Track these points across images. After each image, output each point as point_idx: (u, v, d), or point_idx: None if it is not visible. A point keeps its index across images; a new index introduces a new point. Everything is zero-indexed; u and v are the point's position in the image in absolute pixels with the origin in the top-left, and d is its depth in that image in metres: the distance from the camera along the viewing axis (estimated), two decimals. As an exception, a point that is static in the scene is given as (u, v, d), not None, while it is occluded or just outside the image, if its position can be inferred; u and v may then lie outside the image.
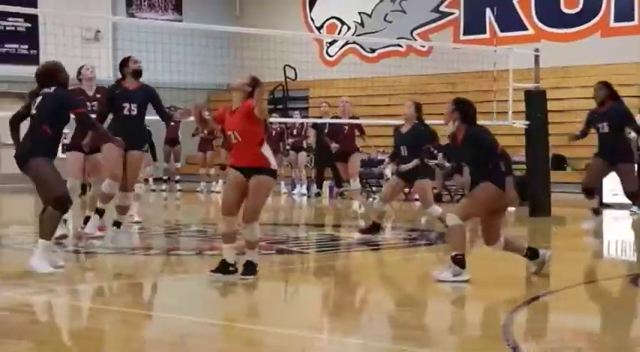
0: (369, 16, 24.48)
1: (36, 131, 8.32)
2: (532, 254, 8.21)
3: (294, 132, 20.13)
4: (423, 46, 22.79)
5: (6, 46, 22.69)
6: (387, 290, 8.20)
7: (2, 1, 21.69)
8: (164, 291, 8.06)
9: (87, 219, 10.59)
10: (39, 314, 6.97)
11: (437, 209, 11.49)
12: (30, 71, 22.09)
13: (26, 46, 22.92)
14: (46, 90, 8.42)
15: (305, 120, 19.84)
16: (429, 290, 7.80)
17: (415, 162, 11.26)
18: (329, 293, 7.96)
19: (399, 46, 23.18)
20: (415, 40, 23.35)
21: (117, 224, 10.20)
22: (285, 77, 24.25)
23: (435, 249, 10.70)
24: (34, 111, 8.41)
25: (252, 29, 17.74)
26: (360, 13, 24.68)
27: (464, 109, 8.05)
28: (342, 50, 25.00)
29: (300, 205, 18.09)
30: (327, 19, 25.33)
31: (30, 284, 7.87)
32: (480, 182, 7.87)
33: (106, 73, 23.66)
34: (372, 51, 24.31)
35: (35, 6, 22.43)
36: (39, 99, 8.41)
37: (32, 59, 22.79)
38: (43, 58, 22.18)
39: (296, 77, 24.11)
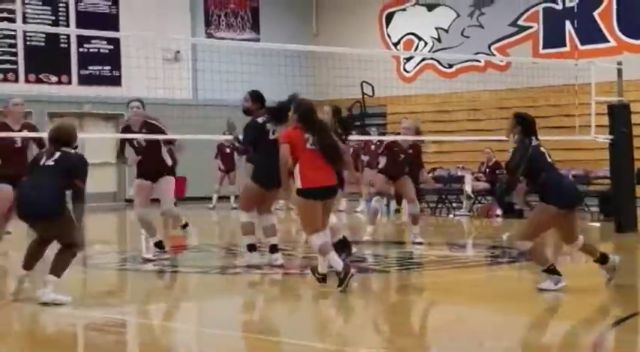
0: (446, 31, 24.35)
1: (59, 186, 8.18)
2: (602, 259, 8.31)
3: (372, 148, 20.07)
4: (502, 61, 22.57)
5: (89, 68, 23.17)
6: (485, 308, 8.09)
7: (86, 25, 22.27)
8: (247, 310, 8.08)
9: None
10: (126, 333, 7.05)
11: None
12: (113, 92, 22.54)
13: (109, 68, 23.37)
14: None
15: (376, 138, 19.76)
16: (523, 306, 7.68)
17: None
18: (419, 311, 7.89)
19: (477, 61, 22.99)
20: (493, 54, 23.13)
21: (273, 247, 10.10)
22: (363, 94, 24.25)
23: (518, 267, 10.53)
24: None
25: (328, 47, 17.79)
26: (437, 28, 24.58)
27: (524, 124, 8.23)
28: (419, 66, 24.91)
29: (380, 222, 18.00)
30: (404, 36, 25.28)
31: (116, 304, 7.97)
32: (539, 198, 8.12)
33: (187, 94, 24.10)
34: (450, 66, 24.16)
35: (117, 29, 22.89)
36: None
37: (115, 81, 23.26)
38: (126, 80, 22.76)
39: (373, 94, 24.09)
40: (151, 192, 10.79)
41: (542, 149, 8.22)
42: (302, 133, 8.45)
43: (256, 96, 10.26)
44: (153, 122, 10.97)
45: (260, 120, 10.04)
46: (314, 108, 8.68)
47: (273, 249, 10.04)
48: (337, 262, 8.26)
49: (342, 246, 9.97)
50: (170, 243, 11.73)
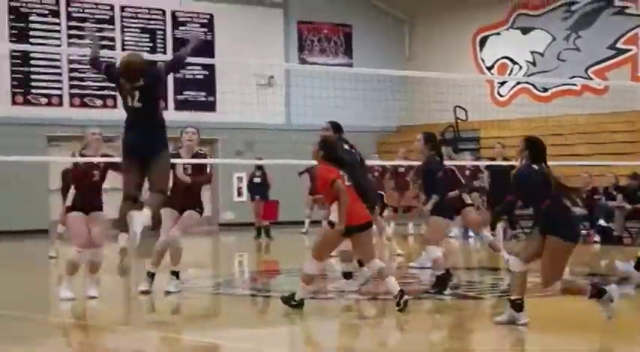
0: (542, 55, 24.03)
1: None
2: (597, 292, 7.77)
3: (466, 173, 19.85)
4: (599, 85, 22.14)
5: (185, 93, 23.57)
6: (593, 337, 7.87)
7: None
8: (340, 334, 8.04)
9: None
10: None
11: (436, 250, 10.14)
12: (207, 117, 22.89)
13: (204, 93, 23.74)
14: None
15: (476, 163, 19.56)
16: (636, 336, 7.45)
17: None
18: (523, 340, 7.73)
19: (574, 84, 22.61)
20: (590, 78, 22.72)
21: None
22: (456, 118, 24.07)
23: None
24: None
25: (421, 72, 17.73)
26: (532, 52, 24.28)
27: (534, 148, 7.87)
28: (513, 90, 24.62)
29: (473, 248, 17.78)
30: (498, 59, 25.05)
31: (216, 327, 8.01)
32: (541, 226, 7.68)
33: (280, 118, 24.31)
34: (545, 90, 23.82)
35: (212, 55, 23.24)
36: None
37: (209, 106, 23.60)
38: (220, 105, 23.07)
39: (467, 118, 23.88)
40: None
41: (546, 176, 7.78)
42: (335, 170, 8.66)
43: (336, 127, 10.32)
44: (203, 153, 10.70)
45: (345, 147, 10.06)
46: (339, 145, 8.99)
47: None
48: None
49: (443, 281, 9.83)
50: (264, 267, 11.75)
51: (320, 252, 8.73)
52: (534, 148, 7.89)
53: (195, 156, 10.52)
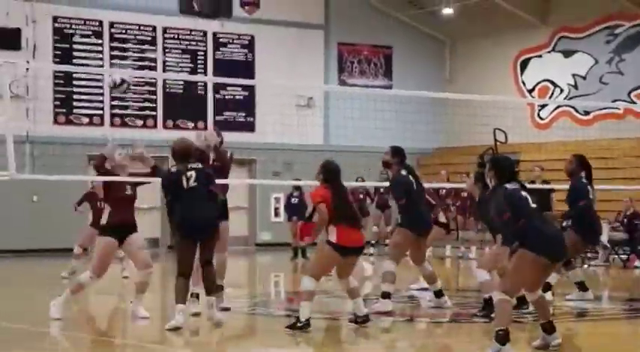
0: (584, 78, 23.86)
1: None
2: (549, 326, 7.75)
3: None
4: (642, 108, 21.93)
5: (224, 114, 23.69)
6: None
7: (223, 72, 22.85)
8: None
9: None
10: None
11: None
12: (247, 138, 22.96)
13: (243, 114, 23.86)
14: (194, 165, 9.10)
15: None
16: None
17: None
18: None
19: (616, 108, 22.41)
20: (634, 102, 22.50)
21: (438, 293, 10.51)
22: (495, 140, 23.91)
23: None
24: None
25: (460, 95, 17.66)
26: (573, 75, 24.12)
27: (497, 168, 7.86)
28: (554, 113, 24.46)
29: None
30: (539, 82, 24.91)
31: (251, 347, 7.98)
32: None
33: (319, 139, 24.33)
34: (587, 113, 23.63)
35: (252, 76, 23.38)
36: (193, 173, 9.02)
37: (249, 126, 23.70)
38: (260, 126, 23.15)
39: (506, 140, 23.74)
40: None
41: (522, 194, 7.58)
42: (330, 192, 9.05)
43: (396, 151, 10.71)
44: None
45: (404, 173, 10.62)
46: (339, 170, 9.27)
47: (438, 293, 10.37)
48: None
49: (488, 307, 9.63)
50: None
51: (317, 270, 9.07)
52: (498, 167, 7.84)
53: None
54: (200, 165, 9.09)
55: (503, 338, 7.26)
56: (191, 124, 23.18)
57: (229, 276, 14.41)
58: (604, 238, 18.06)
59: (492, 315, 9.47)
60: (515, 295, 7.82)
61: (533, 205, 7.57)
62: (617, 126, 21.16)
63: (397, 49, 26.33)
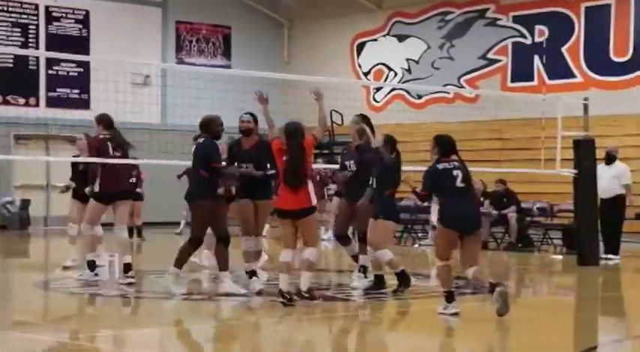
0: (417, 62, 24.54)
1: (194, 174, 9.93)
2: (493, 288, 8.50)
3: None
4: (471, 93, 22.77)
5: (58, 90, 23.07)
6: (446, 338, 8.10)
7: (56, 47, 22.22)
8: (211, 337, 8.04)
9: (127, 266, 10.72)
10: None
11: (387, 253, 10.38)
12: (81, 115, 22.39)
13: (77, 91, 23.30)
14: (199, 140, 9.97)
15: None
16: (484, 337, 7.70)
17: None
18: (381, 340, 7.90)
19: (447, 92, 23.18)
20: (462, 87, 23.33)
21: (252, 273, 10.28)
22: (332, 122, 24.33)
23: (481, 298, 10.56)
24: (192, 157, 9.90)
25: (298, 76, 17.84)
26: (407, 59, 24.77)
27: (442, 144, 8.82)
28: (388, 96, 25.07)
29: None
30: (374, 66, 25.45)
31: (82, 329, 7.82)
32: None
33: (155, 118, 24.04)
34: (419, 97, 24.33)
35: (87, 52, 22.84)
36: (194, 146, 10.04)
37: (83, 104, 23.16)
38: (94, 103, 22.65)
39: (342, 122, 24.17)
40: None
41: (454, 173, 8.57)
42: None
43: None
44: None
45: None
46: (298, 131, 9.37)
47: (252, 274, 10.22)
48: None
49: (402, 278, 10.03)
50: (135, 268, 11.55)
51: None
52: (442, 144, 8.82)
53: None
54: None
55: (449, 297, 8.56)
56: (22, 100, 22.47)
57: (61, 258, 14.06)
58: (433, 218, 18.72)
59: (406, 286, 9.79)
60: (448, 259, 8.62)
61: (461, 184, 8.54)
62: (448, 109, 21.88)
63: (236, 29, 26.32)
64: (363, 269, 10.38)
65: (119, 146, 10.98)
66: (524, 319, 8.71)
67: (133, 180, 14.44)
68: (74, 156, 12.83)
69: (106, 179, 10.81)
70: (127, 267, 10.81)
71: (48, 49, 22.39)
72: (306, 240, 9.14)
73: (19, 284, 11.62)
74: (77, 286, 11.02)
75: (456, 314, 8.51)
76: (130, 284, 10.56)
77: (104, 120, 11.08)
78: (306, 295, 9.05)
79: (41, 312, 9.29)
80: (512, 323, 8.87)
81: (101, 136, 10.98)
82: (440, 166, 8.63)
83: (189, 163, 10.30)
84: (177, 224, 21.00)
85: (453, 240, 8.51)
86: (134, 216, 19.43)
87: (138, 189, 19.23)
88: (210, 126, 10.04)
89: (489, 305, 9.93)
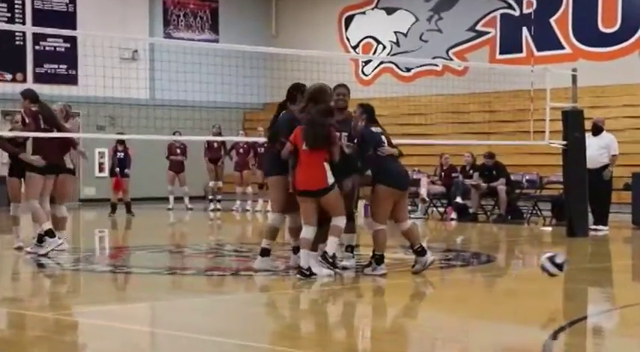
0: (405, 35, 24.49)
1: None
2: (421, 251, 9.32)
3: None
4: (459, 66, 22.74)
5: (45, 66, 22.96)
6: (436, 311, 8.14)
7: (42, 22, 22.09)
8: (201, 312, 8.07)
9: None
10: (77, 335, 7.00)
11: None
12: (69, 91, 22.28)
13: (65, 67, 23.18)
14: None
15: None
16: (474, 309, 7.75)
17: None
18: (372, 313, 7.93)
19: (435, 65, 23.16)
20: (451, 59, 23.30)
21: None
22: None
23: (471, 270, 10.62)
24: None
25: (286, 49, 17.78)
26: (395, 32, 24.71)
27: (368, 112, 9.37)
28: (377, 69, 25.03)
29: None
30: (363, 39, 25.39)
31: (72, 304, 7.85)
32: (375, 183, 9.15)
33: (144, 93, 23.96)
34: (408, 70, 24.30)
35: (74, 27, 22.70)
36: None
37: (71, 79, 23.05)
38: (82, 79, 22.54)
39: (331, 96, 24.13)
40: None
41: (382, 137, 9.31)
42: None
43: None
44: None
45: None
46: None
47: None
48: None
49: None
50: (123, 244, 11.58)
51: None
52: (368, 111, 9.36)
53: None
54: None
55: (380, 259, 9.26)
56: (9, 76, 22.36)
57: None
58: (423, 191, 18.77)
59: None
60: (384, 223, 9.21)
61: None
62: (436, 82, 21.86)
63: (223, 3, 26.20)
64: (351, 249, 10.32)
65: (47, 120, 11.08)
66: (515, 290, 8.76)
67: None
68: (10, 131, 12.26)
69: (37, 152, 11.05)
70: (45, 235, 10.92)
71: (35, 24, 22.23)
72: (332, 214, 9.11)
73: None
74: (68, 262, 11.02)
75: (384, 275, 9.19)
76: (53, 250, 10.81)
77: (30, 95, 11.22)
78: (331, 260, 9.07)
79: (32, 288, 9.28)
80: (501, 294, 8.93)
81: (33, 109, 11.09)
82: (373, 129, 9.32)
83: (171, 137, 10.25)
84: (166, 199, 21.00)
85: (395, 199, 9.15)
86: (122, 192, 19.43)
87: (126, 170, 19.21)
88: (320, 97, 9.31)
89: (479, 276, 9.99)
